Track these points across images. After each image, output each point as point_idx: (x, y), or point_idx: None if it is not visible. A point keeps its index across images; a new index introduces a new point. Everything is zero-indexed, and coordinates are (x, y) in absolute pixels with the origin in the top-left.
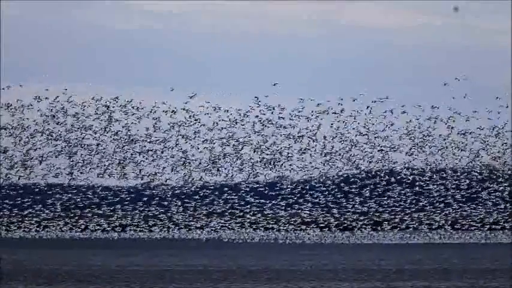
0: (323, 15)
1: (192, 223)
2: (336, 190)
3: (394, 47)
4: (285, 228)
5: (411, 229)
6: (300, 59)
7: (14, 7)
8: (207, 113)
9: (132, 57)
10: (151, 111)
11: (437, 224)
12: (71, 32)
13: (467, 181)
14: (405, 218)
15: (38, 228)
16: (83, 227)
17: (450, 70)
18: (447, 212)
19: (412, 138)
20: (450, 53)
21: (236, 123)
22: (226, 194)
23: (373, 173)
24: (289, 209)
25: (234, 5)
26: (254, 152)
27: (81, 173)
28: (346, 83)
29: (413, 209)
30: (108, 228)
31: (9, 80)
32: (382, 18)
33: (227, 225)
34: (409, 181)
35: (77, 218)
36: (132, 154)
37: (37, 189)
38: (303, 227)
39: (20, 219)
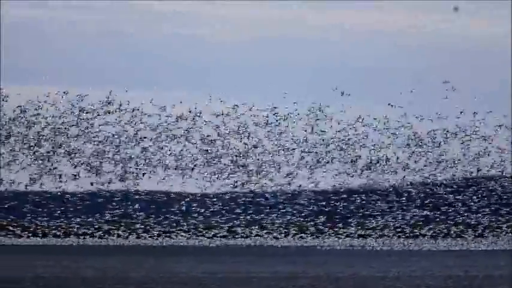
0: (326, 18)
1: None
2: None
3: (393, 48)
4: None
5: (495, 236)
6: (302, 61)
7: (14, 7)
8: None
9: (131, 59)
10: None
11: None
12: (72, 33)
13: None
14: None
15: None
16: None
17: (449, 71)
18: None
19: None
20: (449, 53)
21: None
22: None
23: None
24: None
25: (236, 6)
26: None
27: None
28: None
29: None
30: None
31: (8, 81)
32: (380, 19)
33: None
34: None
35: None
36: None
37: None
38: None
39: (114, 225)
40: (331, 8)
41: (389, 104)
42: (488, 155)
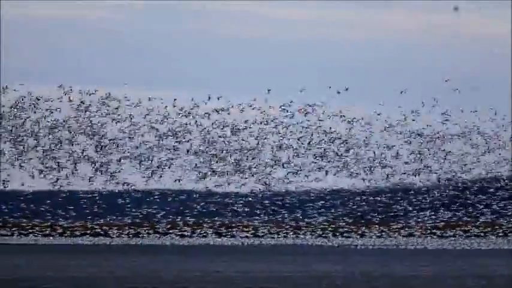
0: (327, 18)
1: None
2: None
3: (393, 48)
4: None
5: None
6: (301, 61)
7: (14, 7)
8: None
9: (131, 58)
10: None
11: None
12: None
13: None
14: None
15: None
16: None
17: (449, 70)
18: None
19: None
20: (449, 53)
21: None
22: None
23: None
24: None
25: (236, 6)
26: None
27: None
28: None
29: None
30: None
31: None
32: (380, 19)
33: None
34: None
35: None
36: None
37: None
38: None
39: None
40: (331, 7)
41: (379, 104)
42: (488, 154)
